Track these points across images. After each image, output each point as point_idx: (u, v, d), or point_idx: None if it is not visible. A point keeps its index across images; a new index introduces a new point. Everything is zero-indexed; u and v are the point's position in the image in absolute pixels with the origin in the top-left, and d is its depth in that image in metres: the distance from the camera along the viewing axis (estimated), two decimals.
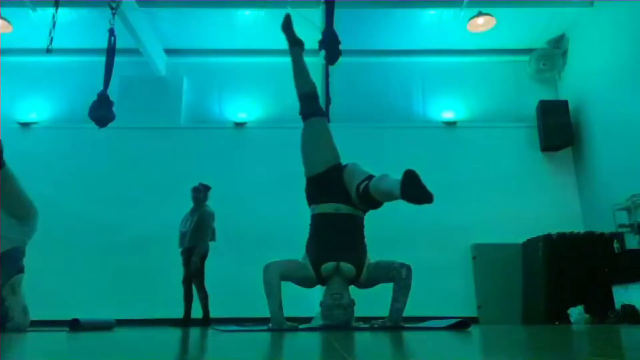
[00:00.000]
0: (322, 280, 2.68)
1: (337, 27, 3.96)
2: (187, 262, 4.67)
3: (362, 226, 2.77)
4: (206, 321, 4.57)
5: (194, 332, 2.17)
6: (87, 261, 5.60)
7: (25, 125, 6.29)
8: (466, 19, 5.82)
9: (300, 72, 3.02)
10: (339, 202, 2.71)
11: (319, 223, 2.74)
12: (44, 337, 1.83)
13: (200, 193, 4.85)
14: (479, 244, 5.51)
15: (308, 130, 2.93)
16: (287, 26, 3.08)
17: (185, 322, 4.59)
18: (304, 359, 0.92)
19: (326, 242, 2.66)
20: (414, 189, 2.24)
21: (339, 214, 2.70)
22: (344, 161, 2.94)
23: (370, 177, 2.59)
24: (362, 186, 2.55)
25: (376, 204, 2.60)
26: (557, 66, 6.24)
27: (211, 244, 4.78)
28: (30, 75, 6.47)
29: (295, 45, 3.06)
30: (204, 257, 4.67)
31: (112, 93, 4.89)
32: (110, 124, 5.01)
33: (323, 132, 2.91)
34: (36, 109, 6.37)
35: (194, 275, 4.63)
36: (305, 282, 2.72)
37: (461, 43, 6.35)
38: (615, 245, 4.64)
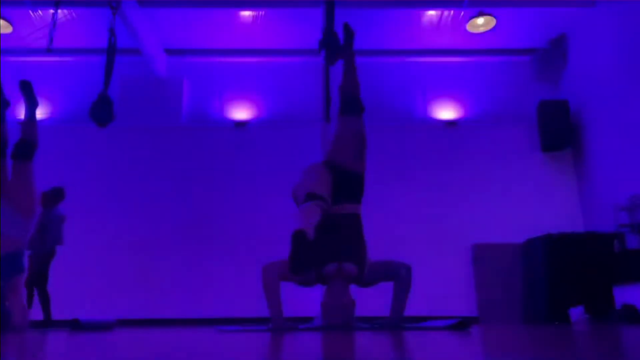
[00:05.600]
0: (322, 280, 2.67)
1: (337, 27, 3.96)
2: (30, 266, 4.53)
3: (361, 225, 2.77)
4: (46, 323, 4.52)
5: (192, 333, 2.17)
6: (86, 261, 5.60)
7: None
8: (466, 19, 5.81)
9: None
10: (344, 202, 2.71)
11: (321, 224, 2.72)
12: (45, 337, 1.82)
13: (47, 197, 4.73)
14: (480, 244, 5.50)
15: None
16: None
17: (46, 324, 4.51)
18: None
19: (328, 243, 2.65)
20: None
21: (341, 214, 2.69)
22: None
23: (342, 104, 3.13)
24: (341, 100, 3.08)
25: (355, 91, 3.25)
26: (558, 66, 6.24)
27: (64, 247, 4.68)
28: (30, 75, 6.45)
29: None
30: (46, 261, 4.60)
31: (113, 93, 4.89)
32: (111, 124, 5.00)
33: None
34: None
35: (35, 281, 4.53)
36: (305, 283, 2.71)
37: (461, 43, 6.34)
38: (616, 245, 4.64)
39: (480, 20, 5.73)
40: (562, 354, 0.94)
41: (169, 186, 5.91)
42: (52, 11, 5.06)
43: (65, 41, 5.98)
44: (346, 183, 2.76)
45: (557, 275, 4.69)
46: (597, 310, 4.35)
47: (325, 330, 2.45)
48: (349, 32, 3.24)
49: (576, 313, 4.32)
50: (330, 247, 2.63)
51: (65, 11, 5.61)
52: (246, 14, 5.84)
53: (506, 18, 5.83)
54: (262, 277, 2.59)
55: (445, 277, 5.52)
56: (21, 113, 3.38)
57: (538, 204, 5.79)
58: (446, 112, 6.40)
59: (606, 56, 5.39)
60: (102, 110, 4.94)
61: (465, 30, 6.00)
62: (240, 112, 6.37)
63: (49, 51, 5.25)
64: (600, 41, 5.49)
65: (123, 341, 1.58)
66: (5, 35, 5.87)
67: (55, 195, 4.83)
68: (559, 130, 5.82)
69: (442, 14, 5.82)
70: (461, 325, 2.44)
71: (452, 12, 5.75)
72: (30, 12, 5.65)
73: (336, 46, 3.61)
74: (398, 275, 2.62)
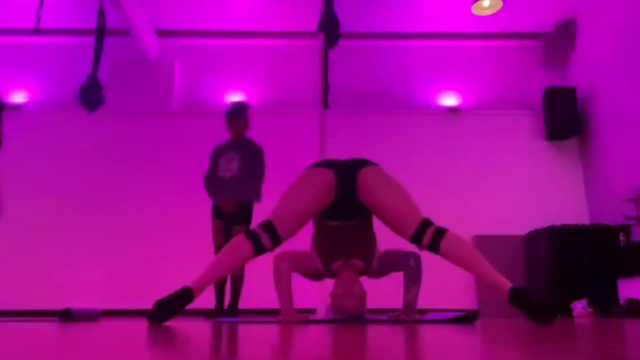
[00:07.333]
0: (332, 273, 2.54)
1: (337, 8, 3.76)
2: None
3: (371, 225, 2.60)
4: None
5: (201, 324, 2.04)
6: (75, 248, 5.46)
7: (12, 108, 6.08)
8: (472, 1, 5.59)
9: None
10: (350, 220, 2.45)
11: (322, 226, 2.57)
12: (34, 327, 1.71)
13: None
14: (481, 235, 5.38)
15: None
16: None
17: None
18: (316, 353, 0.82)
19: (333, 242, 2.50)
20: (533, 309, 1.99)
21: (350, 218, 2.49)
22: (340, 153, 2.72)
23: (426, 221, 2.22)
24: (425, 237, 2.18)
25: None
26: (565, 51, 6.03)
27: None
28: (17, 56, 6.24)
29: None
30: None
31: (102, 76, 4.69)
32: (100, 108, 4.83)
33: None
34: (23, 91, 6.16)
35: None
36: (315, 275, 2.59)
37: (466, 26, 6.12)
38: (622, 237, 4.53)
39: (486, 3, 5.50)
40: (564, 348, 0.84)
41: (159, 172, 5.74)
42: None
43: (52, 21, 5.74)
44: (361, 214, 2.49)
45: (560, 268, 4.60)
46: (601, 305, 4.26)
47: (337, 322, 2.34)
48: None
49: (579, 307, 4.24)
50: (337, 246, 2.49)
51: None
52: None
53: (513, 0, 5.60)
54: (274, 265, 2.44)
55: (446, 269, 5.40)
56: None
57: (542, 194, 5.65)
58: (448, 98, 6.21)
59: (616, 42, 5.18)
60: (91, 94, 4.77)
61: (471, 13, 5.77)
62: (234, 97, 6.17)
63: (36, 32, 5.04)
64: (610, 26, 5.29)
65: (105, 332, 1.45)
66: None
67: None
68: (565, 119, 5.64)
69: None
70: (467, 318, 2.37)
71: None
72: None
73: (335, 28, 3.41)
74: (407, 265, 2.51)
